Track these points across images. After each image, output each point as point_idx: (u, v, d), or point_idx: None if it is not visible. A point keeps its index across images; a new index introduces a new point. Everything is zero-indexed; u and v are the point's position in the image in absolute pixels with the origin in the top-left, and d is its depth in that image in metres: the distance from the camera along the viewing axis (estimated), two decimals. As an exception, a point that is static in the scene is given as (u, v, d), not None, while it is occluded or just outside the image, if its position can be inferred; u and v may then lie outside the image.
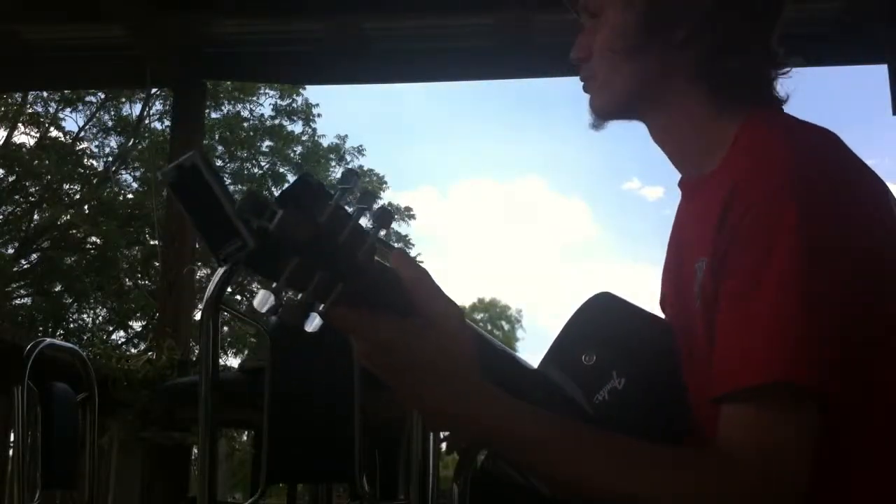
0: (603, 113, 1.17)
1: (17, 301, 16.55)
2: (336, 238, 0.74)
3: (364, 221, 0.78)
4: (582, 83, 1.17)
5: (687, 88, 1.11)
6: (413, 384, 0.88)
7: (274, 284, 0.75)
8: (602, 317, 1.08)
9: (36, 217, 16.84)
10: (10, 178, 16.57)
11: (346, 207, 0.77)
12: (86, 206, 16.56)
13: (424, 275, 0.89)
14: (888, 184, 1.05)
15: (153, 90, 12.27)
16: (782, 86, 1.13)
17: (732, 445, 0.92)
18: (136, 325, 17.07)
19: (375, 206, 0.78)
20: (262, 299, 0.75)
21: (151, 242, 14.47)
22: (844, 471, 0.97)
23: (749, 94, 1.11)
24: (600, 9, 1.13)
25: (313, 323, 0.77)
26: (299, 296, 0.76)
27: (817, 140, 1.03)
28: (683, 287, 1.08)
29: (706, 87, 1.10)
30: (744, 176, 0.99)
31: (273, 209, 0.71)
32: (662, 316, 1.18)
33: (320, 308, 0.77)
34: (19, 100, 15.99)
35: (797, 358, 0.91)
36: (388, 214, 0.78)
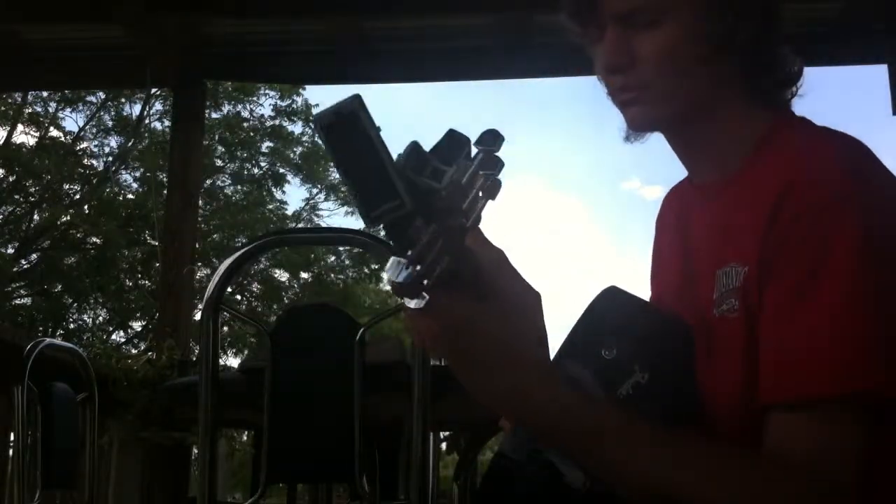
0: (656, 124, 1.11)
1: (17, 301, 16.55)
2: (459, 207, 0.68)
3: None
4: (622, 94, 1.10)
5: (729, 92, 1.10)
6: (485, 368, 0.85)
7: (409, 253, 0.68)
8: (616, 310, 1.06)
9: (36, 217, 16.84)
10: (11, 178, 16.58)
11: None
12: (86, 206, 16.56)
13: (502, 256, 0.87)
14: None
15: (153, 90, 12.28)
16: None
17: (795, 454, 0.91)
18: (136, 325, 17.09)
19: (496, 176, 0.70)
20: (396, 269, 0.69)
21: (151, 242, 14.46)
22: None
23: (773, 96, 1.11)
24: (664, 15, 1.06)
25: (419, 300, 0.72)
26: (411, 268, 0.68)
27: (856, 144, 1.03)
28: (697, 290, 1.07)
29: (740, 89, 1.10)
30: (791, 179, 0.98)
31: (436, 166, 0.65)
32: None
33: (425, 283, 0.70)
34: (19, 100, 15.99)
35: (864, 369, 0.90)
36: (497, 185, 0.71)
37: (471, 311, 0.81)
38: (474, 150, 0.71)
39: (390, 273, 0.69)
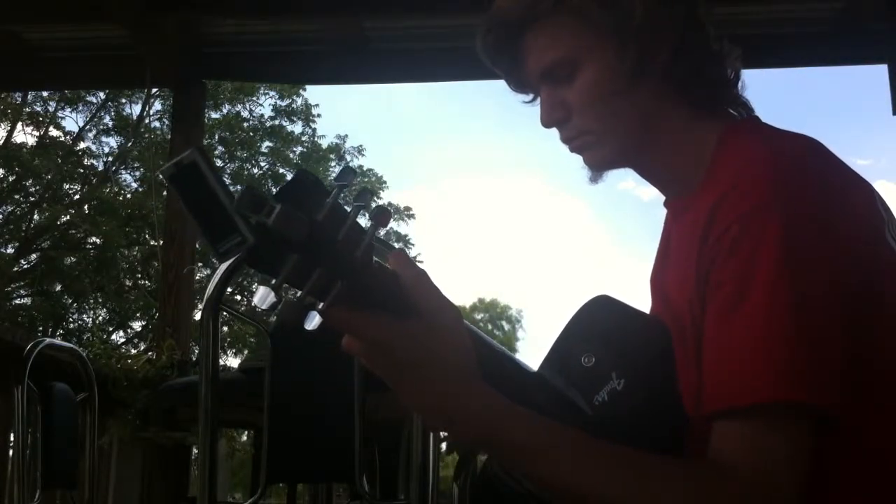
0: (611, 162, 1.16)
1: (17, 301, 16.55)
2: (334, 236, 0.74)
3: (362, 220, 0.77)
4: (570, 143, 1.15)
5: (670, 113, 1.11)
6: (409, 384, 0.88)
7: (273, 281, 0.74)
8: (601, 319, 1.07)
9: (36, 217, 16.84)
10: (11, 178, 16.58)
11: (344, 205, 0.76)
12: (86, 206, 16.56)
13: (423, 275, 0.88)
14: (887, 183, 1.05)
15: (153, 90, 12.27)
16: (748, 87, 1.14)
17: (728, 462, 0.92)
18: (136, 325, 17.09)
19: (373, 205, 0.78)
20: (262, 296, 0.75)
21: (151, 242, 14.46)
22: (840, 484, 0.97)
23: (716, 102, 1.12)
24: (577, 64, 1.10)
25: (313, 321, 0.77)
26: (298, 293, 0.75)
27: (796, 149, 1.03)
28: (676, 301, 1.08)
29: (686, 103, 1.11)
30: (724, 191, 0.99)
31: (271, 204, 0.70)
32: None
33: (319, 306, 0.77)
34: (19, 100, 15.99)
35: (789, 376, 0.91)
36: (385, 213, 0.78)
37: (387, 328, 0.84)
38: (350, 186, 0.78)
39: (257, 300, 0.75)
